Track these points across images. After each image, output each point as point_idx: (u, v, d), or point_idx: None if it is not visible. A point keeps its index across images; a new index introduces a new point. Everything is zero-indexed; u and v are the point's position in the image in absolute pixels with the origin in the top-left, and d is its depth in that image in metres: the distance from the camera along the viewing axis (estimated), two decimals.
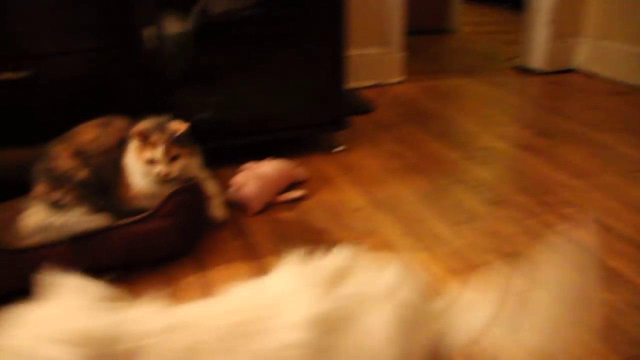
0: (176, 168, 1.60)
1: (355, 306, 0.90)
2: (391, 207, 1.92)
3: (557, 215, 1.85)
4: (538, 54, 3.46)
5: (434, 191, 2.02)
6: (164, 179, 1.59)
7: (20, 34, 1.81)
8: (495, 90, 3.19)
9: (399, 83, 3.32)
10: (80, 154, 1.61)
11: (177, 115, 1.66)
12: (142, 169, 1.59)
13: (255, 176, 1.87)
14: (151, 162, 1.57)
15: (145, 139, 1.57)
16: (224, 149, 2.19)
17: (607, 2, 3.30)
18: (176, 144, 1.59)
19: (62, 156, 1.62)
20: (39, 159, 1.66)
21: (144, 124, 1.60)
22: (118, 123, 1.67)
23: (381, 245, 1.70)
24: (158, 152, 1.56)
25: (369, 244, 1.71)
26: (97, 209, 1.59)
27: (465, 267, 1.60)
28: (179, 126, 1.59)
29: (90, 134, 1.65)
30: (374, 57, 3.24)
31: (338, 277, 0.96)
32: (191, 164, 1.66)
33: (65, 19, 1.85)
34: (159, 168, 1.57)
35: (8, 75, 1.83)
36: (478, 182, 2.08)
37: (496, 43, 4.33)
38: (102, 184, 1.62)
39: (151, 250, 1.58)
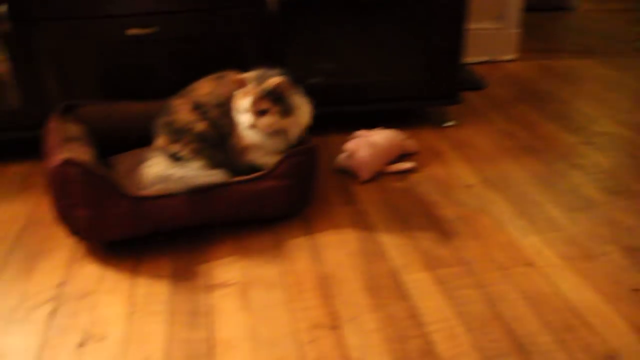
0: (263, 122, 1.56)
1: None
2: (503, 187, 1.86)
3: None
4: None
5: (549, 175, 1.94)
6: (251, 129, 1.58)
7: None
8: (617, 73, 3.01)
9: (512, 61, 3.20)
10: (198, 108, 1.65)
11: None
12: (237, 118, 1.60)
13: (368, 144, 1.86)
14: (242, 111, 1.58)
15: (243, 88, 1.58)
16: (334, 116, 2.19)
17: None
18: (268, 98, 1.56)
19: (182, 110, 1.66)
20: (160, 112, 1.71)
21: (247, 74, 1.60)
22: (231, 76, 1.68)
23: (491, 225, 1.66)
24: (246, 103, 1.56)
25: (479, 223, 1.67)
26: (213, 163, 1.63)
27: (580, 255, 1.53)
28: (273, 80, 1.55)
29: (206, 88, 1.68)
30: (488, 32, 3.13)
31: None
32: (284, 122, 1.60)
33: None
34: (246, 118, 1.57)
35: (135, 31, 1.88)
36: (597, 169, 1.98)
37: (620, 22, 4.08)
38: (219, 136, 1.65)
39: (263, 209, 1.61)
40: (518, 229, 1.65)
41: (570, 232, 1.63)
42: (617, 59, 3.24)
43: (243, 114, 1.58)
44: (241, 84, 1.57)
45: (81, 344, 1.25)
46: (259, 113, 1.56)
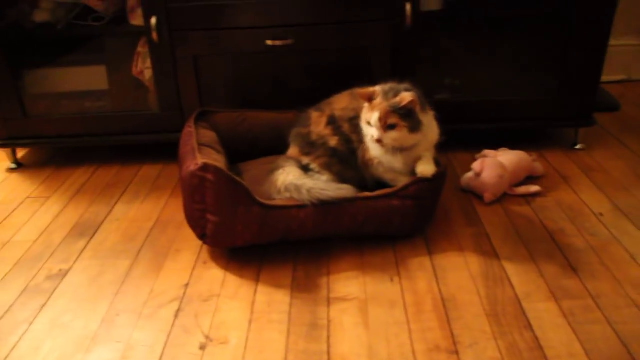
0: (390, 137, 1.54)
1: None
2: (638, 218, 1.75)
3: None
4: None
5: None
6: (377, 144, 1.56)
7: (285, 4, 1.91)
8: None
9: None
10: (333, 122, 1.67)
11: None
12: (363, 130, 1.59)
13: (494, 165, 1.81)
14: (369, 124, 1.56)
15: (370, 101, 1.55)
16: (460, 133, 2.14)
17: None
18: (397, 113, 1.52)
19: (318, 123, 1.69)
20: (297, 122, 1.75)
21: (377, 88, 1.58)
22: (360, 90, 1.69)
23: (624, 257, 1.56)
24: (374, 117, 1.53)
25: (610, 255, 1.58)
26: (341, 179, 1.65)
27: None
28: (404, 97, 1.51)
29: (343, 102, 1.70)
30: (628, 48, 2.96)
31: None
32: (411, 139, 1.56)
33: None
34: (372, 132, 1.55)
35: (272, 42, 1.94)
36: None
37: None
38: (349, 152, 1.67)
39: (387, 226, 1.60)
40: None
41: None
42: None
43: (368, 126, 1.57)
44: (369, 97, 1.56)
45: (202, 347, 1.30)
46: (388, 127, 1.53)
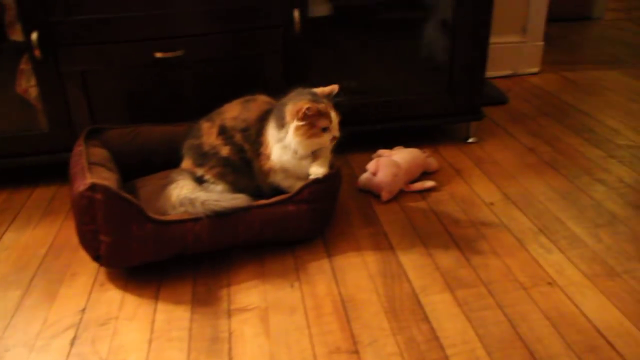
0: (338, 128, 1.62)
1: None
2: (525, 204, 1.84)
3: None
4: None
5: (572, 190, 1.92)
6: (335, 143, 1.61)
7: (173, 15, 1.88)
8: None
9: (535, 74, 3.17)
10: (223, 132, 1.66)
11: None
12: (315, 141, 1.58)
13: (389, 164, 1.85)
14: (324, 130, 1.57)
15: (319, 112, 1.56)
16: (357, 134, 2.18)
17: None
18: (333, 107, 1.60)
19: (209, 133, 1.68)
20: (189, 133, 1.73)
21: (304, 100, 1.56)
22: (259, 99, 1.71)
23: (513, 243, 1.64)
24: (334, 117, 1.58)
25: (500, 242, 1.65)
26: (236, 188, 1.65)
27: (604, 273, 1.51)
28: (332, 87, 1.62)
29: (233, 111, 1.69)
30: (511, 45, 3.11)
31: None
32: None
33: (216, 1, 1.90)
34: (333, 133, 1.59)
35: (161, 54, 1.90)
36: (621, 184, 1.95)
37: None
38: (242, 161, 1.67)
39: (284, 232, 1.61)
40: (540, 246, 1.63)
41: (593, 249, 1.60)
42: None
43: (324, 133, 1.57)
44: (315, 110, 1.54)
45: None
46: None
